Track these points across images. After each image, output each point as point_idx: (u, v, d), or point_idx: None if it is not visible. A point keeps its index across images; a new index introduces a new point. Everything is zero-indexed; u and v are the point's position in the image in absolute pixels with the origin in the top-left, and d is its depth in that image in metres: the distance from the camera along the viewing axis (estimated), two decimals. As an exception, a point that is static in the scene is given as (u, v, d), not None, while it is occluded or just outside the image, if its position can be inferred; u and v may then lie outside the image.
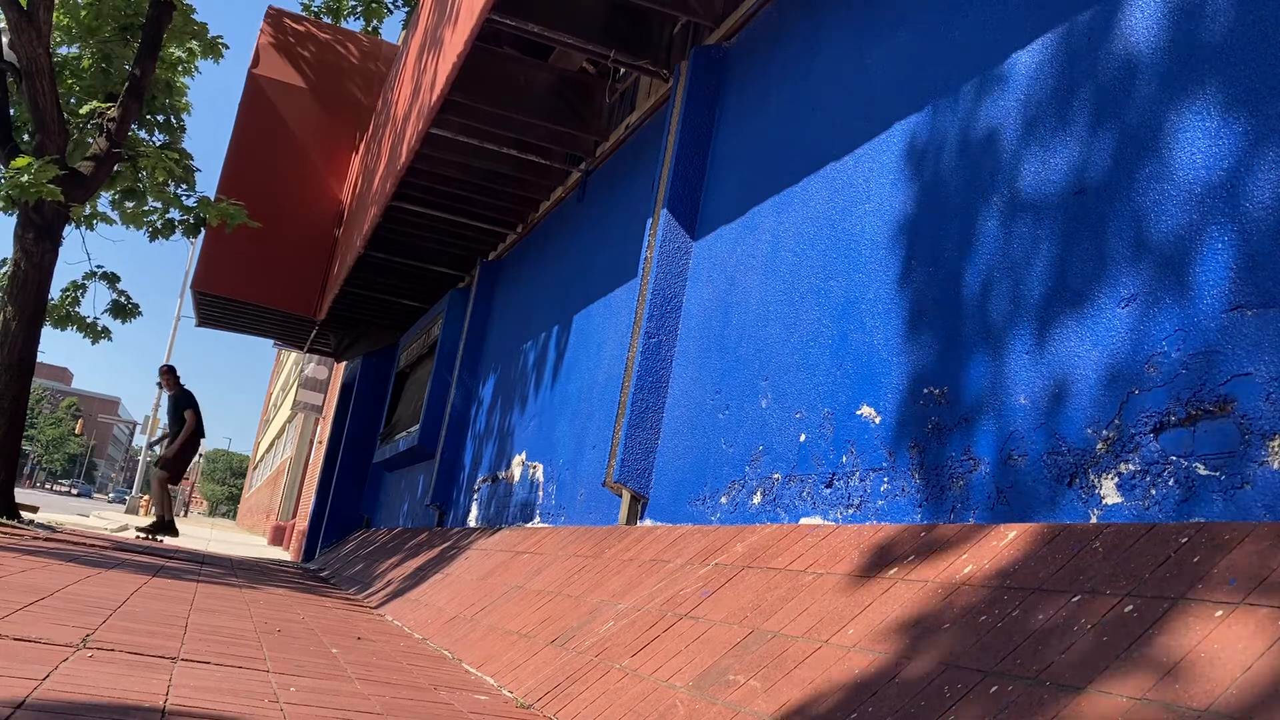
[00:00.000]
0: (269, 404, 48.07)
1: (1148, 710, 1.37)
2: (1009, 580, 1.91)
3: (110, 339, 11.17)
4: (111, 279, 11.17)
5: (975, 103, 2.76)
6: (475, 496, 7.41)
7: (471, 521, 7.30)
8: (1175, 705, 1.34)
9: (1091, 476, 2.07)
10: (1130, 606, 1.60)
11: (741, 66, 4.54)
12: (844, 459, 2.95)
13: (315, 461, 19.44)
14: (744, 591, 2.69)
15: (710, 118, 4.68)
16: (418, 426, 9.19)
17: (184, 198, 10.82)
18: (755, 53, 4.42)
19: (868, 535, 2.52)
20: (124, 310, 11.08)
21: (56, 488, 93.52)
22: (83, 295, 11.08)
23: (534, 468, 6.07)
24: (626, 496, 4.32)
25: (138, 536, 11.31)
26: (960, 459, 2.46)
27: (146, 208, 11.16)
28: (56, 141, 9.16)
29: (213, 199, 10.32)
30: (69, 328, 10.99)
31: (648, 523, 4.21)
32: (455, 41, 5.70)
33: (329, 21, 12.40)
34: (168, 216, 11.06)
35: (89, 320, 11.03)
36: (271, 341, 16.39)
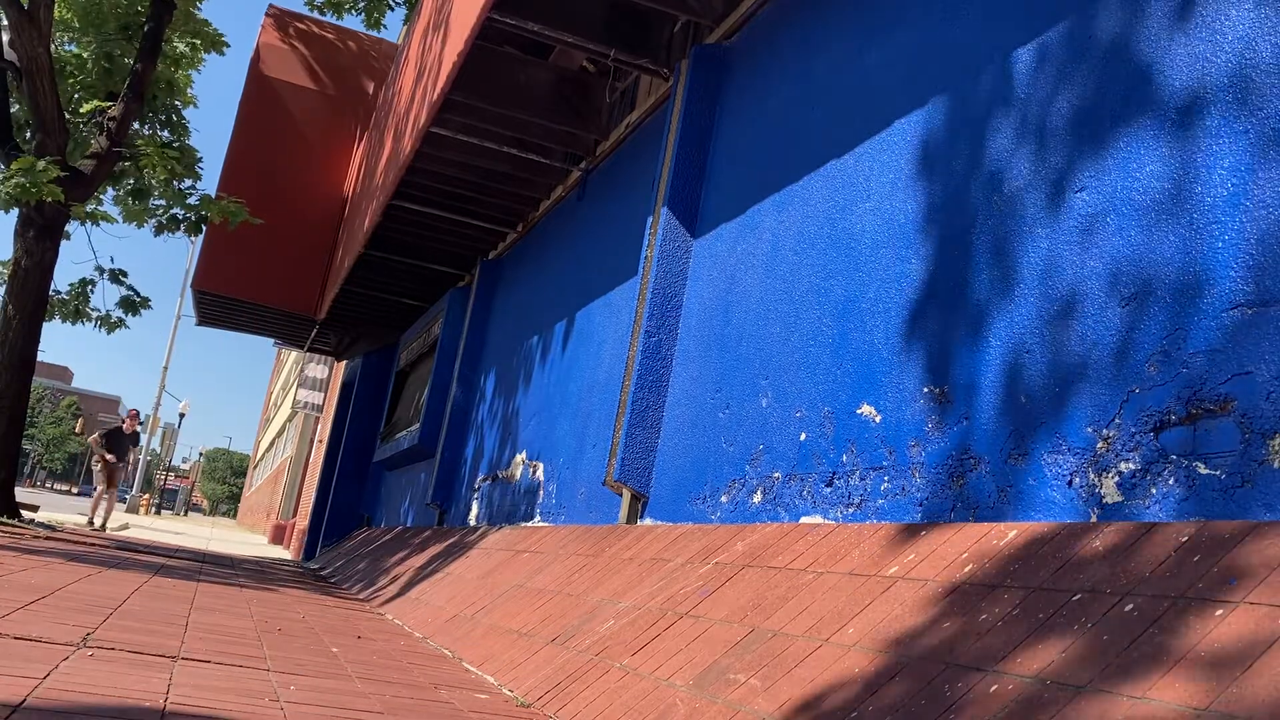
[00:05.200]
0: (269, 403, 48.09)
1: (1148, 708, 1.37)
2: (1009, 579, 1.91)
3: (127, 327, 11.22)
4: (118, 276, 11.18)
5: (975, 101, 2.76)
6: (476, 495, 7.42)
7: (472, 520, 7.30)
8: (1176, 704, 1.34)
9: (1092, 475, 2.07)
10: (1130, 605, 1.60)
11: (742, 65, 4.54)
12: (844, 458, 2.95)
13: (316, 460, 19.44)
14: (744, 590, 2.69)
15: (710, 116, 4.67)
16: (418, 425, 9.19)
17: (188, 195, 10.83)
18: (755, 52, 4.42)
19: (868, 534, 2.52)
20: (133, 304, 11.09)
21: (57, 487, 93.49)
22: (92, 291, 11.10)
23: (534, 467, 6.07)
24: (627, 495, 4.32)
25: None
26: (960, 458, 2.46)
27: (151, 205, 11.17)
28: (57, 140, 9.16)
29: (214, 197, 10.31)
30: (81, 322, 11.01)
31: (648, 522, 4.21)
32: (455, 40, 5.70)
33: (331, 19, 12.40)
34: (171, 213, 11.07)
35: (102, 314, 11.05)
36: (272, 341, 16.39)
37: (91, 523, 13.09)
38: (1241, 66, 1.96)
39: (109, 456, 13.19)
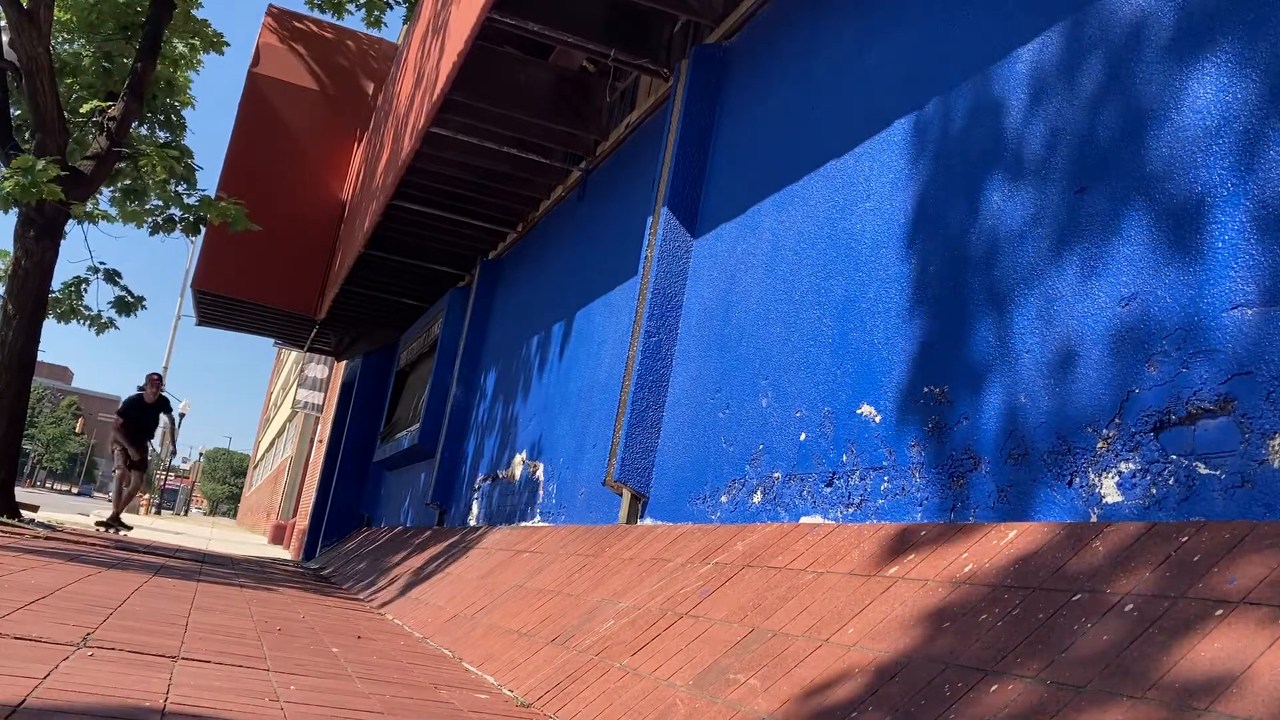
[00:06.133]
0: (269, 403, 48.09)
1: (1149, 710, 1.37)
2: (1009, 579, 1.91)
3: (117, 328, 11.19)
4: (112, 276, 11.17)
5: (975, 101, 2.76)
6: (476, 495, 7.42)
7: (472, 520, 7.30)
8: (1176, 704, 1.34)
9: (1092, 475, 2.07)
10: (1130, 605, 1.60)
11: (742, 65, 4.54)
12: (844, 458, 2.95)
13: (316, 460, 19.45)
14: (744, 590, 2.69)
15: (710, 116, 4.67)
16: (418, 425, 9.19)
17: (185, 196, 10.82)
18: (755, 52, 4.42)
19: (868, 534, 2.52)
20: (127, 305, 11.08)
21: (57, 487, 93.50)
22: (85, 289, 11.08)
23: (534, 466, 6.07)
24: (627, 495, 4.32)
25: None
26: (960, 458, 2.46)
27: (148, 206, 11.16)
28: (57, 140, 9.16)
29: (213, 198, 10.31)
30: (74, 320, 10.98)
31: (648, 521, 4.21)
32: (456, 40, 5.70)
33: (331, 19, 12.41)
34: (168, 213, 11.06)
35: (94, 313, 11.03)
36: (272, 341, 16.39)
37: (116, 523, 11.05)
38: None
39: (131, 452, 11.26)
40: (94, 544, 7.99)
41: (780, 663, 2.18)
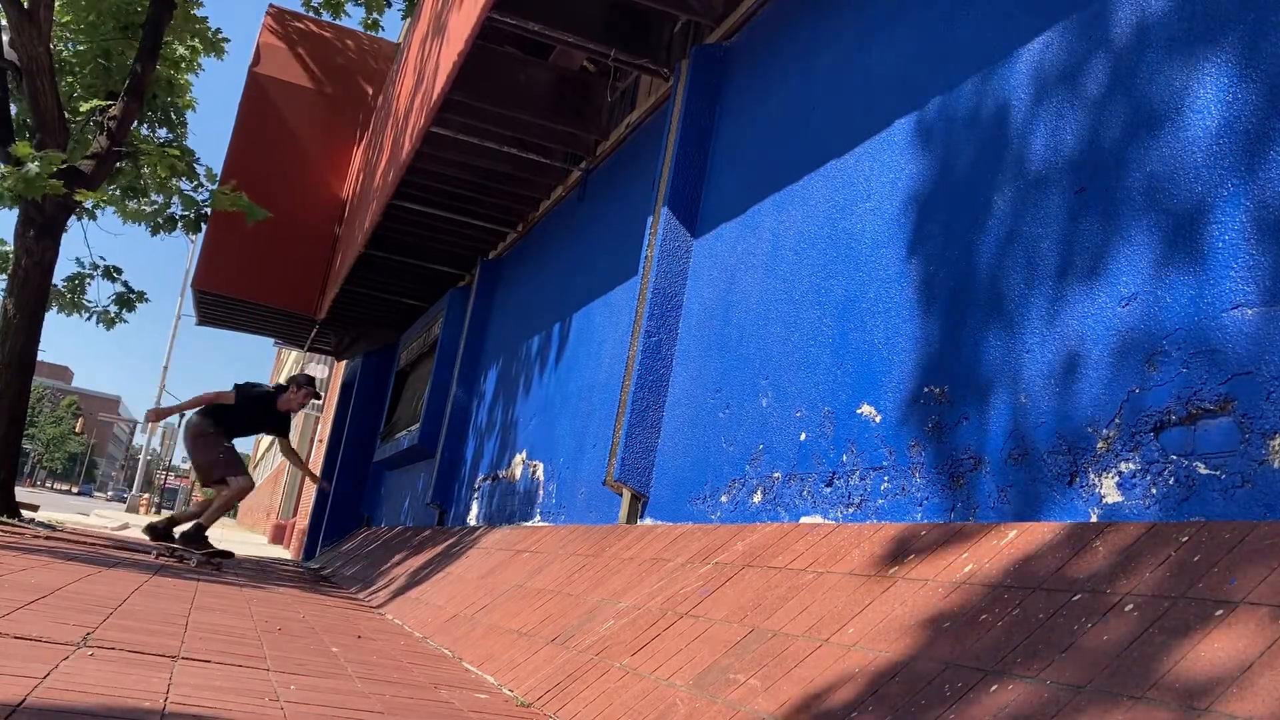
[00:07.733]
0: (269, 403, 47.96)
1: (1149, 710, 1.37)
2: (1009, 579, 1.91)
3: (125, 321, 11.20)
4: (111, 272, 11.17)
5: (976, 101, 2.76)
6: (476, 495, 7.41)
7: (472, 520, 7.30)
8: (1176, 705, 1.34)
9: (1092, 475, 2.07)
10: (1130, 606, 1.60)
11: (742, 65, 4.54)
12: (844, 458, 2.95)
13: (316, 460, 19.44)
14: (744, 590, 2.69)
15: (711, 116, 4.67)
16: (418, 425, 9.19)
17: (194, 191, 10.81)
18: (756, 51, 4.42)
19: (868, 534, 2.52)
20: (129, 301, 11.08)
21: (57, 486, 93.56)
22: (89, 284, 11.08)
23: (534, 466, 6.07)
24: (627, 495, 4.32)
25: None
26: (961, 458, 2.46)
27: (149, 207, 11.16)
28: (57, 140, 9.15)
29: (226, 190, 10.31)
30: (79, 313, 10.98)
31: (648, 521, 4.21)
32: (456, 40, 5.70)
33: (330, 18, 12.39)
34: (169, 212, 11.06)
35: (99, 308, 11.03)
36: (272, 341, 16.38)
37: (198, 541, 7.67)
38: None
39: (214, 470, 7.80)
40: (94, 544, 7.99)
41: (780, 663, 2.18)
